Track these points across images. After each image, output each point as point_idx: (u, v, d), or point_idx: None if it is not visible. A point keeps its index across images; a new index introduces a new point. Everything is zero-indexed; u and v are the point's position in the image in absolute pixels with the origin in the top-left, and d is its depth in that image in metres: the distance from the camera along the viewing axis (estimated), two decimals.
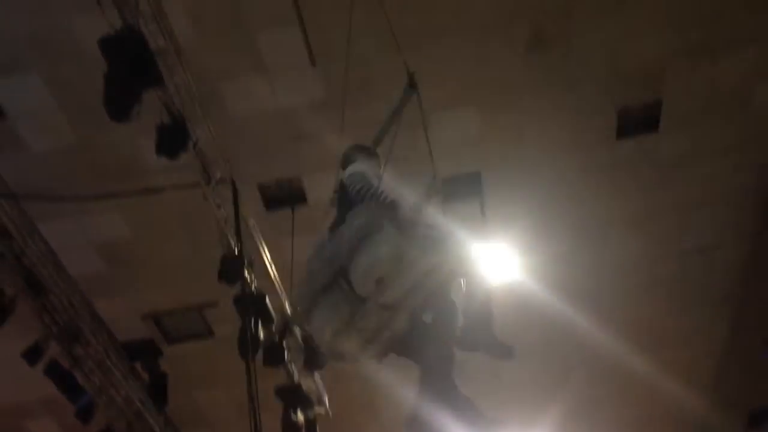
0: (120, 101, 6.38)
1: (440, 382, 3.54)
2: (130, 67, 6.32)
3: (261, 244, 8.56)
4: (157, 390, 10.34)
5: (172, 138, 7.04)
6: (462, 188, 9.01)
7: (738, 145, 9.01)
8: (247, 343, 7.67)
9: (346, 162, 4.20)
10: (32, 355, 8.85)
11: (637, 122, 8.74)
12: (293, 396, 9.46)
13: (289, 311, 9.19)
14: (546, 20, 7.70)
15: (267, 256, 8.67)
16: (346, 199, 3.86)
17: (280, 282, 8.93)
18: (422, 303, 3.63)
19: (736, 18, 7.89)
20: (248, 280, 8.21)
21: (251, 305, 8.16)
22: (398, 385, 10.82)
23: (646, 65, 8.21)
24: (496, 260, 9.31)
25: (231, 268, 8.10)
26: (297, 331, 9.41)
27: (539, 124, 8.58)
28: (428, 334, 3.66)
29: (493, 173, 8.99)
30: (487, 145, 8.69)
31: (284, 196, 9.14)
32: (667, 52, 8.12)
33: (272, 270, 8.81)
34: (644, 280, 10.29)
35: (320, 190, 9.00)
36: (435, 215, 3.84)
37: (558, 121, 8.57)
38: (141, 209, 8.67)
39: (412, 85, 4.53)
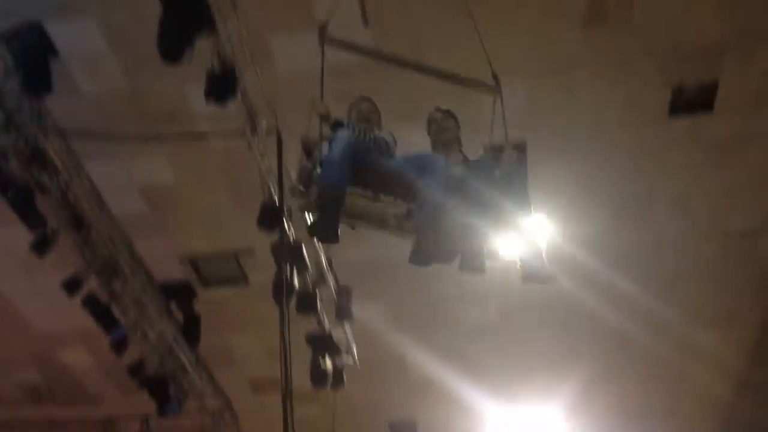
0: (173, 43, 6.43)
1: None
2: (185, 12, 6.34)
3: None
4: (190, 329, 10.60)
5: (222, 84, 7.08)
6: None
7: None
8: (282, 288, 7.78)
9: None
10: (72, 286, 9.12)
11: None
12: (323, 343, 9.60)
13: (324, 262, 9.26)
14: None
15: None
16: None
17: None
18: None
19: None
20: (286, 229, 8.26)
21: (288, 253, 8.25)
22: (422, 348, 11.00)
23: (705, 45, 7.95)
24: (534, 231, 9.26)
25: (270, 215, 8.18)
26: (330, 281, 9.49)
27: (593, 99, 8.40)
28: None
29: (539, 145, 8.86)
30: (535, 117, 8.54)
31: None
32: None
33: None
34: (684, 260, 10.13)
35: None
36: None
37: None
38: (186, 155, 8.73)
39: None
